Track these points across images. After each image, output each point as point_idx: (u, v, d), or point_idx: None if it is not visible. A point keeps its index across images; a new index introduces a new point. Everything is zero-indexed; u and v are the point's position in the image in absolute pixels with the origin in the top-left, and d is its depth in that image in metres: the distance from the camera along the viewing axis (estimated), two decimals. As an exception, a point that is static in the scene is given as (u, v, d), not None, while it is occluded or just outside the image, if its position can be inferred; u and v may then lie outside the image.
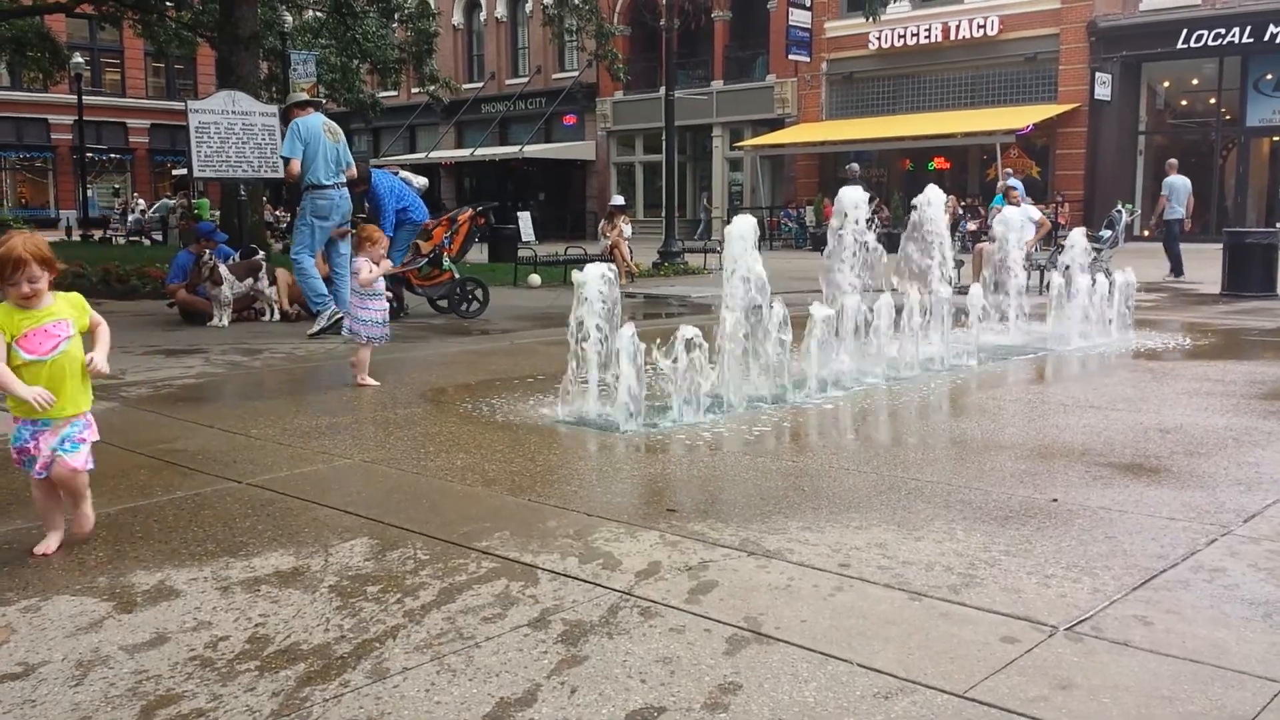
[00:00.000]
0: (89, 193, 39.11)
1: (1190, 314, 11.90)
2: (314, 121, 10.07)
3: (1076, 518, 3.95)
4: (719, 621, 2.99)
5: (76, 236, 35.84)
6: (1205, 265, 16.60)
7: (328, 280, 10.36)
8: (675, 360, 5.80)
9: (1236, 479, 4.51)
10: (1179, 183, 17.85)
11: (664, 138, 21.98)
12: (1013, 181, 18.68)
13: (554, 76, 39.79)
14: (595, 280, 5.86)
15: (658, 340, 5.89)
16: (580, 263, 16.23)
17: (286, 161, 10.16)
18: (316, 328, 9.85)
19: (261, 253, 11.96)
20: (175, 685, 2.65)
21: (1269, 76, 26.27)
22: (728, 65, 35.36)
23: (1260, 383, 7.03)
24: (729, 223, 6.58)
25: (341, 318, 9.43)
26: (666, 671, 2.68)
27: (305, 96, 10.61)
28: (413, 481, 4.62)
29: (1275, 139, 27.35)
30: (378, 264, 7.21)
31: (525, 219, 22.78)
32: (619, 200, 20.18)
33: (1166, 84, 29.00)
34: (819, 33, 31.93)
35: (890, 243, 8.04)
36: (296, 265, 10.15)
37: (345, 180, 10.12)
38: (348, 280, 10.23)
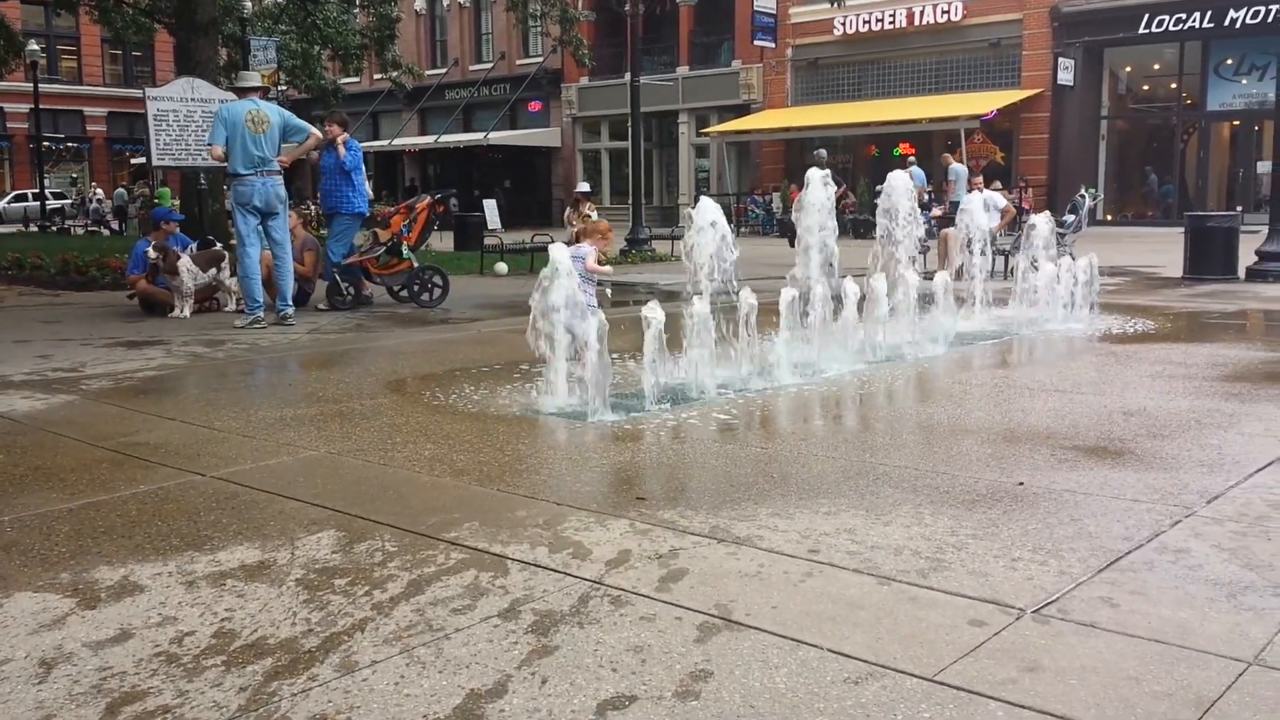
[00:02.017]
0: (46, 182, 38.58)
1: (1153, 297, 12.02)
2: (238, 109, 9.86)
3: (1042, 501, 3.98)
4: (690, 609, 2.99)
5: (34, 227, 35.34)
6: (1167, 248, 16.78)
7: (268, 281, 10.28)
8: (644, 348, 5.80)
9: (1199, 461, 4.56)
10: (962, 170, 19.88)
11: (630, 124, 21.92)
12: (915, 170, 19.48)
13: (518, 62, 39.57)
14: (562, 267, 5.83)
15: (622, 326, 5.88)
16: (547, 250, 16.17)
17: (211, 146, 10.19)
18: (242, 322, 9.83)
19: (219, 245, 11.83)
20: (140, 682, 2.61)
21: (1229, 61, 26.56)
22: (693, 51, 35.30)
23: (1222, 365, 7.11)
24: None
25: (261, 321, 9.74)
26: (638, 660, 2.68)
27: (252, 83, 10.38)
28: (379, 473, 4.58)
29: (1235, 123, 27.67)
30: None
31: (491, 206, 22.57)
32: (584, 187, 20.12)
33: (1128, 69, 29.26)
34: (784, 18, 31.94)
35: (856, 229, 8.08)
36: (241, 262, 10.07)
37: (276, 167, 9.92)
38: (287, 264, 10.17)
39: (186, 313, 10.72)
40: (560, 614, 2.98)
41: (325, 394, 6.50)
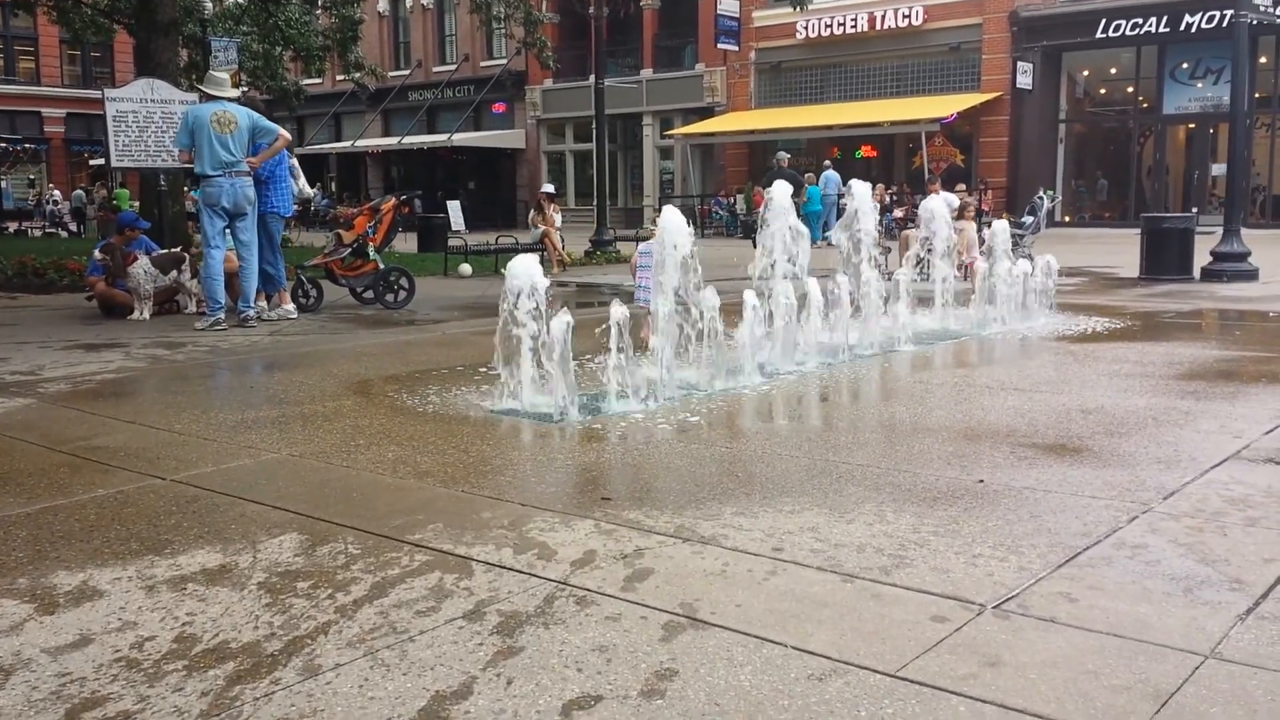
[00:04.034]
0: (3, 184, 38.01)
1: (1109, 297, 12.18)
2: (203, 110, 9.87)
3: (1002, 498, 4.03)
4: (655, 608, 2.99)
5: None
6: (1124, 249, 17.00)
7: (231, 276, 10.20)
8: (609, 348, 5.80)
9: (1156, 457, 4.62)
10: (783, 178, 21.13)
11: (594, 126, 21.93)
12: (829, 175, 19.84)
13: (482, 64, 39.47)
14: (525, 271, 5.82)
15: (588, 327, 5.88)
16: (512, 252, 16.14)
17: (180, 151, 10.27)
18: (203, 324, 9.77)
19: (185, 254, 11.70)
20: (100, 687, 2.58)
21: (1185, 65, 26.95)
22: (657, 54, 35.37)
23: (1177, 364, 7.22)
24: (659, 211, 6.56)
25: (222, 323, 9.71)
26: (603, 660, 2.68)
27: (225, 93, 10.25)
28: (342, 475, 4.55)
29: (1191, 126, 28.08)
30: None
31: (455, 208, 22.51)
32: (549, 188, 20.12)
33: (1086, 73, 29.62)
34: (747, 22, 32.08)
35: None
36: (205, 263, 10.00)
37: (245, 169, 9.86)
38: (251, 266, 10.09)
39: (146, 315, 10.59)
40: (525, 615, 2.97)
41: (287, 396, 6.45)
